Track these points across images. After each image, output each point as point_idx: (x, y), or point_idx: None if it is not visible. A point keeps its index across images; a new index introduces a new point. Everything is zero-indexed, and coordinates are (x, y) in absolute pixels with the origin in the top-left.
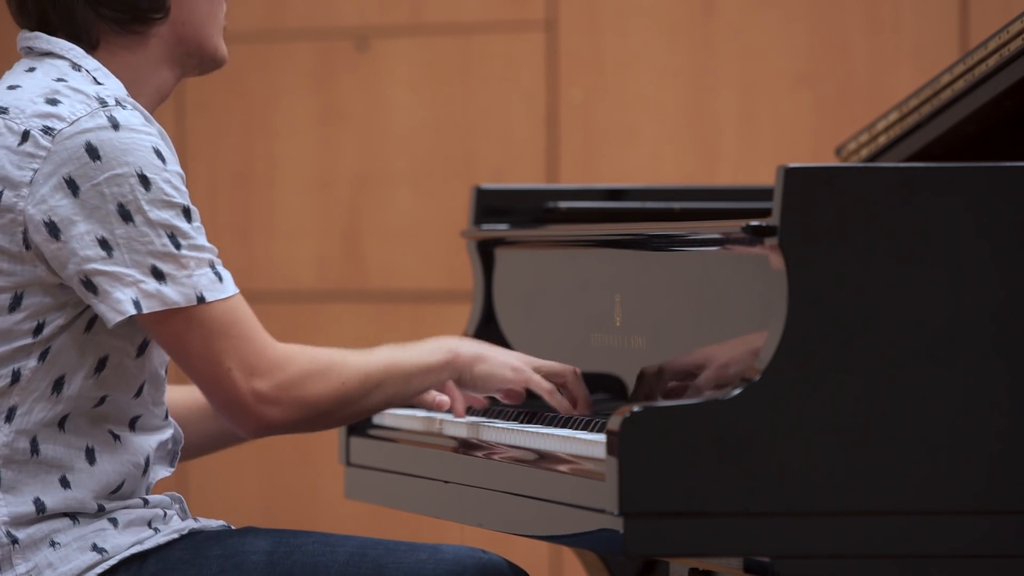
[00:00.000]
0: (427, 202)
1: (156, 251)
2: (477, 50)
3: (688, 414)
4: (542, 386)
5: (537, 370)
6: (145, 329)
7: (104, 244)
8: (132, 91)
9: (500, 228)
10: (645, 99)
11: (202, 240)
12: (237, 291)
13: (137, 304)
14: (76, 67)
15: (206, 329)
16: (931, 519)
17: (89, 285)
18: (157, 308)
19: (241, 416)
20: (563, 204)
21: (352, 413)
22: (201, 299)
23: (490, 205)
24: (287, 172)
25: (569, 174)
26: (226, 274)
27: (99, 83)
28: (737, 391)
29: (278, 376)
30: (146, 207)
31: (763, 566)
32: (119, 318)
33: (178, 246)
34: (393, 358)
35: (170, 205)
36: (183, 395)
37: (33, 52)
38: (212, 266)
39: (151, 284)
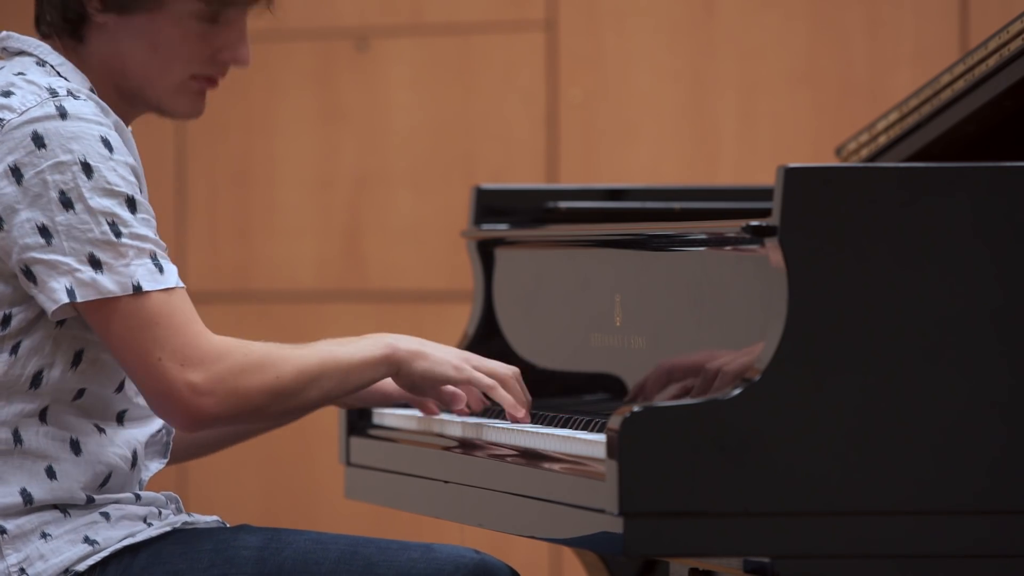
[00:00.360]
0: (427, 202)
1: (95, 239)
2: (477, 50)
3: (688, 414)
4: (483, 383)
5: (477, 368)
6: (85, 319)
7: (44, 232)
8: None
9: (500, 228)
10: (645, 99)
11: (145, 231)
12: (180, 285)
13: (71, 292)
14: (41, 63)
15: (140, 319)
16: (931, 519)
17: (29, 274)
18: (91, 297)
19: (174, 407)
20: (563, 204)
21: (288, 407)
22: (137, 288)
23: (490, 205)
24: (287, 172)
25: (569, 174)
26: (169, 267)
27: (61, 77)
28: (737, 391)
29: (212, 368)
30: (87, 195)
31: (763, 566)
32: (54, 307)
33: (118, 234)
34: (330, 353)
35: (112, 194)
36: None
37: (7, 52)
38: (153, 257)
39: (87, 272)
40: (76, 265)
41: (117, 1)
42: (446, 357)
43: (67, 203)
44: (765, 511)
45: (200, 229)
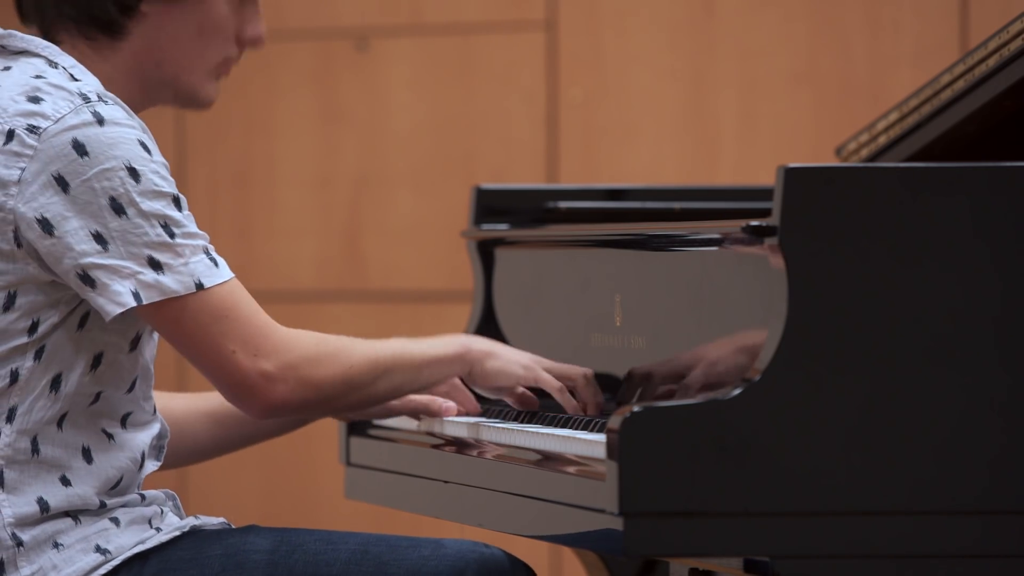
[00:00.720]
0: (427, 202)
1: (151, 242)
2: (477, 50)
3: (688, 414)
4: (552, 384)
5: (548, 370)
6: (147, 320)
7: (99, 238)
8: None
9: (500, 228)
10: (645, 99)
11: (194, 227)
12: (233, 275)
13: (137, 295)
14: (53, 64)
15: (206, 314)
16: (931, 519)
17: (86, 279)
18: (156, 298)
19: (248, 397)
20: (563, 204)
21: (360, 399)
22: (200, 285)
23: (490, 205)
24: (287, 172)
25: (569, 174)
26: (221, 259)
27: (76, 79)
28: (737, 391)
29: (284, 356)
30: (138, 199)
31: (763, 566)
32: (119, 310)
33: (172, 235)
34: (403, 347)
35: (160, 195)
36: (184, 402)
37: (7, 51)
38: (207, 252)
39: (149, 275)
40: (137, 268)
41: None
42: (517, 358)
43: (119, 209)
44: (765, 511)
45: (200, 229)
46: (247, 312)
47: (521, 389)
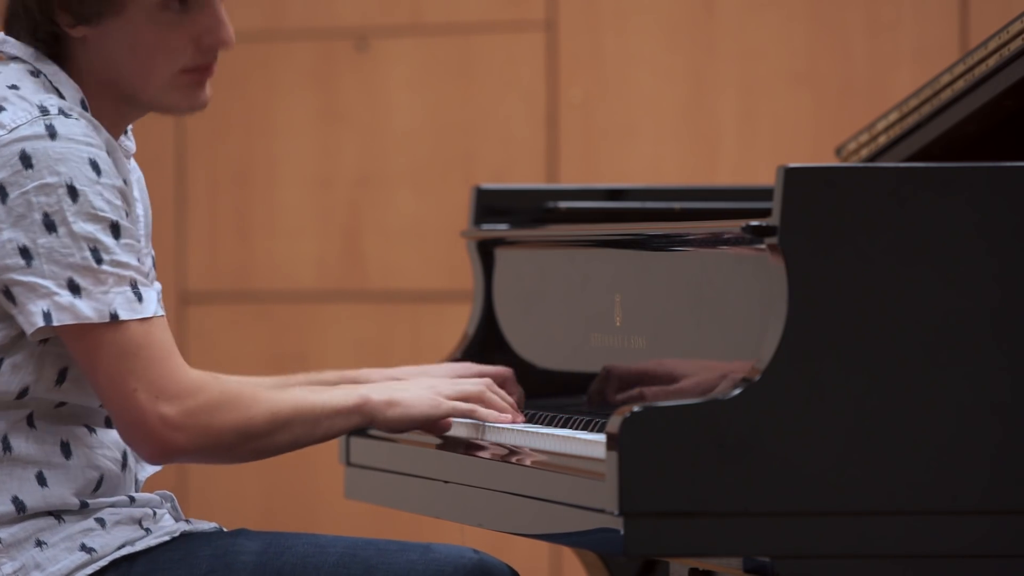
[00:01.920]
0: (427, 202)
1: (75, 264)
2: (477, 50)
3: (688, 414)
4: (460, 410)
5: (449, 397)
6: (65, 342)
7: (24, 253)
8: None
9: (500, 228)
10: (645, 99)
11: (126, 257)
12: (160, 314)
13: (48, 316)
14: (35, 72)
15: (116, 347)
16: (931, 519)
17: (8, 295)
18: (68, 321)
19: (144, 439)
20: (563, 204)
21: (255, 449)
22: (114, 316)
23: (490, 205)
24: (287, 172)
25: (569, 174)
26: (149, 295)
27: (55, 87)
28: (737, 391)
29: (186, 402)
30: (71, 218)
31: (763, 566)
32: (31, 329)
33: (99, 260)
34: (304, 399)
35: (96, 219)
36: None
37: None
38: (134, 285)
39: (65, 297)
40: (55, 288)
41: (84, 12)
42: (420, 397)
43: (50, 226)
44: (765, 511)
45: (200, 229)
46: (159, 353)
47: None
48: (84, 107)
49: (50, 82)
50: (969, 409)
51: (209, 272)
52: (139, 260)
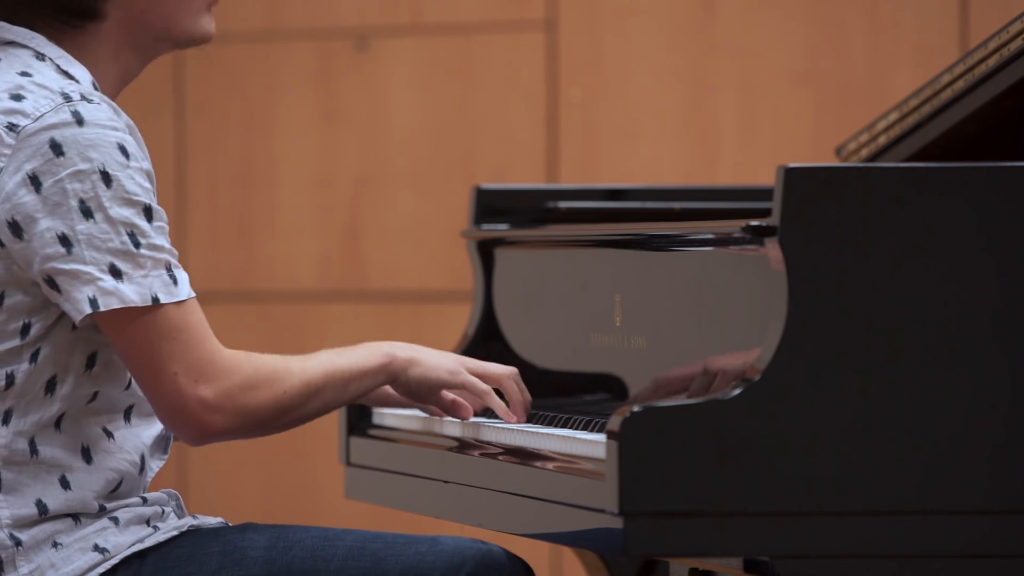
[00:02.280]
0: (427, 202)
1: (115, 249)
2: (477, 50)
3: (688, 414)
4: (477, 387)
5: (472, 371)
6: (101, 327)
7: (64, 241)
8: (95, 76)
9: (500, 228)
10: (645, 99)
11: (161, 240)
12: (192, 295)
13: (94, 302)
14: (40, 56)
15: (156, 331)
16: (931, 519)
17: (52, 284)
18: (115, 306)
19: (183, 422)
20: (563, 204)
21: (289, 421)
22: (155, 300)
23: (490, 205)
24: (287, 172)
25: (569, 174)
26: (182, 277)
27: (64, 71)
28: (737, 391)
29: (223, 383)
30: (107, 204)
31: (763, 566)
32: (80, 316)
33: (137, 245)
34: (332, 363)
35: (131, 203)
36: None
37: None
38: (168, 268)
39: (109, 282)
40: (98, 274)
41: None
42: (441, 362)
43: (87, 212)
44: (765, 511)
45: (200, 229)
46: (197, 335)
47: (451, 396)
48: (95, 88)
49: (57, 65)
50: (969, 409)
51: (209, 272)
52: (169, 242)
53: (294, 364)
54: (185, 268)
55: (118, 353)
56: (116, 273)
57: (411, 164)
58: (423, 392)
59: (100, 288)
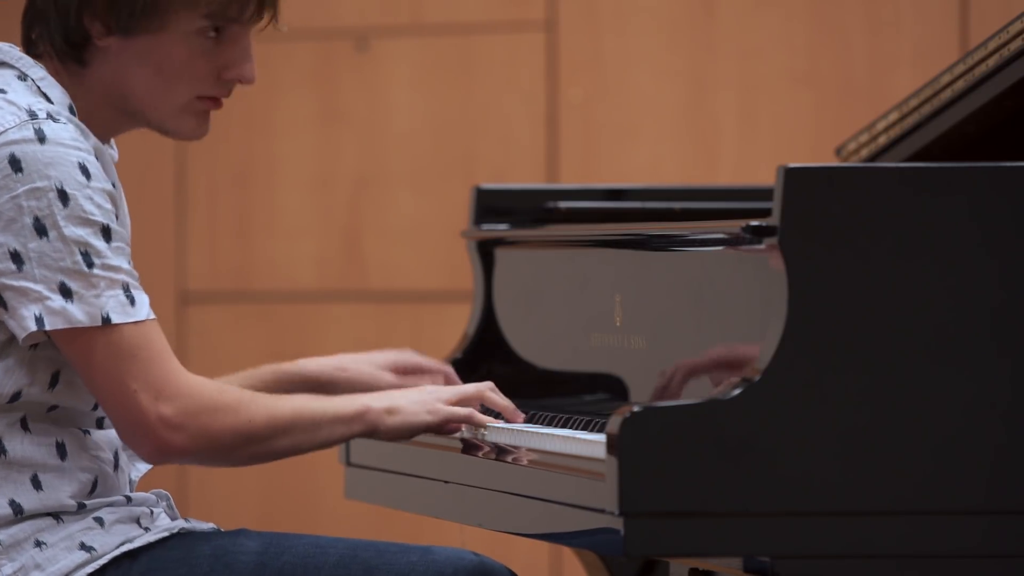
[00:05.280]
0: (427, 202)
1: (66, 268)
2: (477, 50)
3: (688, 414)
4: (460, 416)
5: (449, 401)
6: (59, 347)
7: (16, 257)
8: (82, 113)
9: (500, 228)
10: (645, 99)
11: (118, 261)
12: (151, 317)
13: (40, 320)
14: (22, 77)
15: (112, 350)
16: (931, 519)
17: (0, 300)
18: (60, 326)
19: (143, 439)
20: (563, 204)
21: (255, 453)
22: (106, 319)
23: (490, 205)
24: (287, 172)
25: (569, 174)
26: (141, 298)
27: (42, 92)
28: (737, 391)
29: (185, 403)
30: (61, 223)
31: (763, 566)
32: (23, 333)
33: (90, 264)
34: (304, 405)
35: (88, 223)
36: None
37: None
38: (126, 288)
39: (57, 301)
40: (47, 293)
41: (121, 24)
42: (418, 405)
43: (41, 230)
44: (765, 511)
45: (200, 229)
46: (156, 355)
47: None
48: (72, 112)
49: (38, 87)
50: (969, 409)
51: (209, 272)
52: (130, 263)
53: (261, 398)
54: (185, 268)
55: (78, 372)
56: (66, 292)
57: (411, 164)
58: (407, 436)
59: (47, 307)
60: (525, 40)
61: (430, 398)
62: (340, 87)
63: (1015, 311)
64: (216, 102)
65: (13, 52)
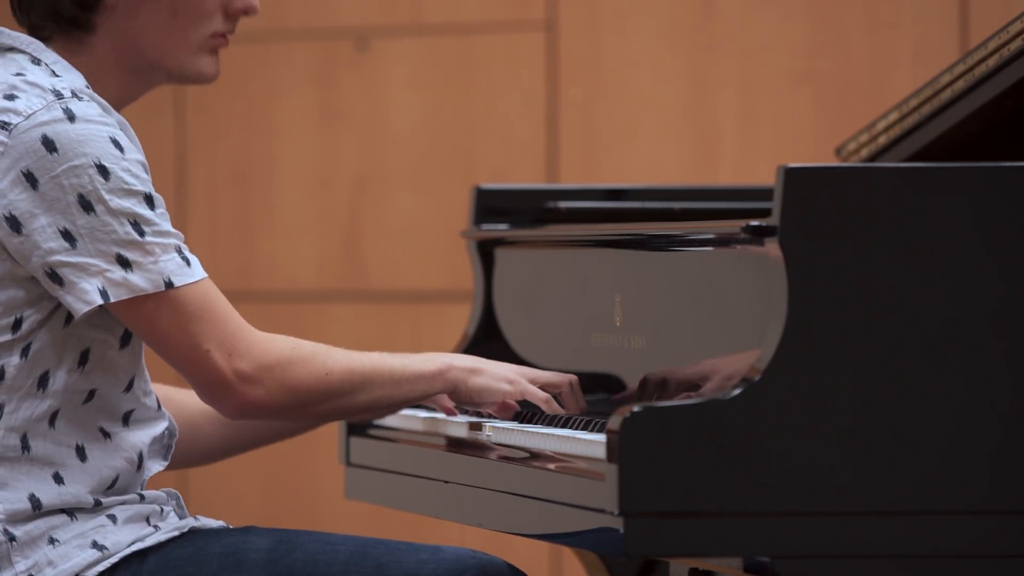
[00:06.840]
0: (427, 202)
1: (120, 239)
2: (477, 50)
3: (688, 414)
4: (538, 396)
5: (533, 381)
6: (121, 319)
7: (67, 235)
8: (93, 87)
9: (500, 228)
10: (645, 99)
11: (166, 226)
12: (206, 275)
13: (104, 293)
14: (36, 61)
15: (179, 313)
16: (931, 519)
17: (54, 277)
18: (124, 296)
19: (223, 396)
20: (563, 204)
21: (337, 408)
22: (169, 284)
23: (490, 205)
24: (287, 172)
25: (569, 174)
26: (194, 258)
27: (57, 75)
28: (737, 391)
29: (260, 357)
30: (106, 196)
31: (763, 566)
32: (86, 308)
33: (142, 233)
34: (383, 360)
35: (131, 193)
36: (198, 401)
37: None
38: (179, 251)
39: (117, 272)
40: (105, 266)
41: None
42: (502, 372)
43: (87, 206)
44: (765, 511)
45: (200, 229)
46: (221, 313)
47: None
48: (89, 90)
49: (51, 70)
50: (969, 409)
51: (209, 272)
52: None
53: (338, 352)
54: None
55: (147, 342)
56: (124, 263)
57: (411, 164)
58: (482, 401)
59: (108, 279)
60: (525, 40)
61: (513, 371)
62: (340, 87)
63: (1015, 311)
64: (224, 39)
65: (24, 38)
